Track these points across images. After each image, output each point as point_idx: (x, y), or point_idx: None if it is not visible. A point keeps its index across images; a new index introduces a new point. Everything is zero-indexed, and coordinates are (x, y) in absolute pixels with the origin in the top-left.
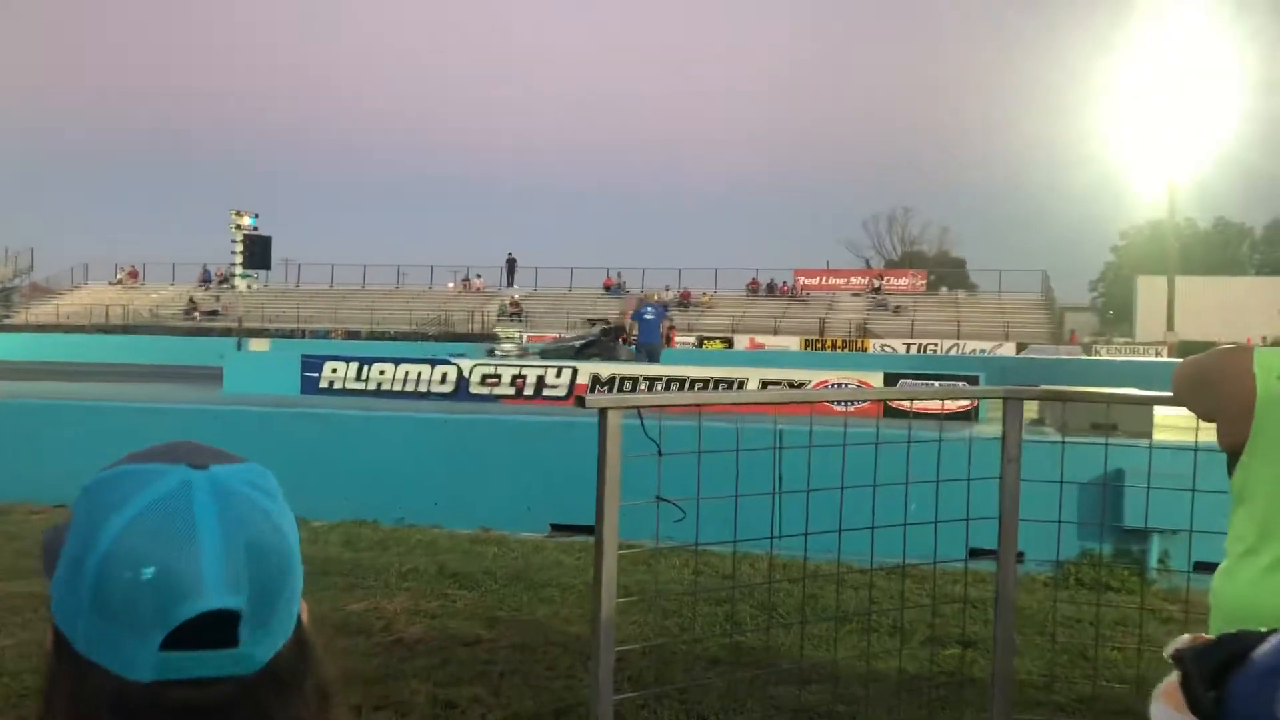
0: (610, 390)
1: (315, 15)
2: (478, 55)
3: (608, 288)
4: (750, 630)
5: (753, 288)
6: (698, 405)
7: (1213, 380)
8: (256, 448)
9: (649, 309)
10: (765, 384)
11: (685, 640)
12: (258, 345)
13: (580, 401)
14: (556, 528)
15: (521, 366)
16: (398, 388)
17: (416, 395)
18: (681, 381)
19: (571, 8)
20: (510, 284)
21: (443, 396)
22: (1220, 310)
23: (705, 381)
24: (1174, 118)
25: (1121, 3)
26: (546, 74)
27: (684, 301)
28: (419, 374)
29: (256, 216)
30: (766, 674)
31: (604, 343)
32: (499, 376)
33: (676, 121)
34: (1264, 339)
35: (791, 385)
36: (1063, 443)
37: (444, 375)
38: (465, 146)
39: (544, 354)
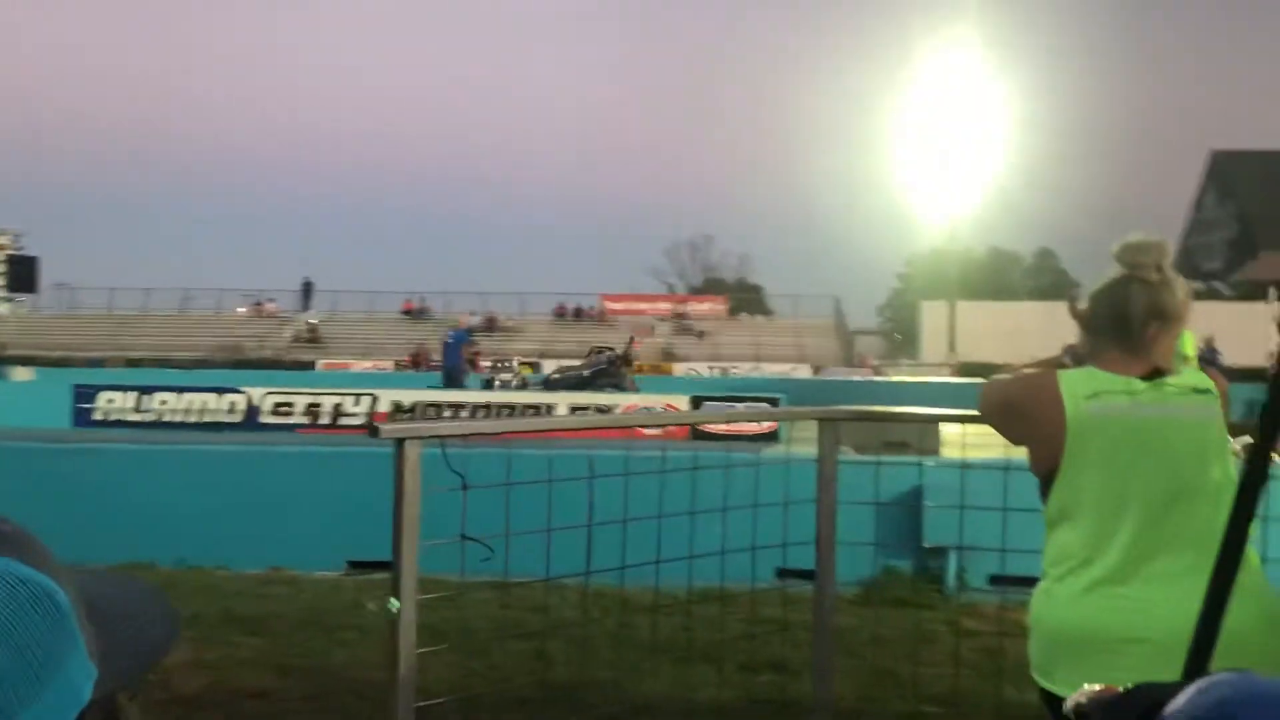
0: (414, 418)
1: (104, 17)
2: (270, 74)
3: (408, 312)
4: (562, 665)
5: (559, 313)
6: (504, 433)
7: (1022, 407)
8: (16, 487)
9: (450, 334)
10: (574, 409)
11: (492, 680)
12: (21, 375)
13: (373, 431)
14: (355, 564)
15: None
16: (181, 418)
17: (202, 426)
18: (487, 408)
19: (371, 28)
20: (306, 308)
21: (231, 427)
22: (997, 333)
23: (512, 407)
24: (953, 154)
25: (905, 48)
26: (342, 93)
27: (490, 326)
28: (204, 403)
29: (19, 235)
30: (578, 712)
31: (613, 371)
32: (291, 405)
33: (484, 146)
34: (1034, 357)
35: (600, 410)
36: (878, 463)
37: (232, 404)
38: (259, 166)
39: (549, 384)
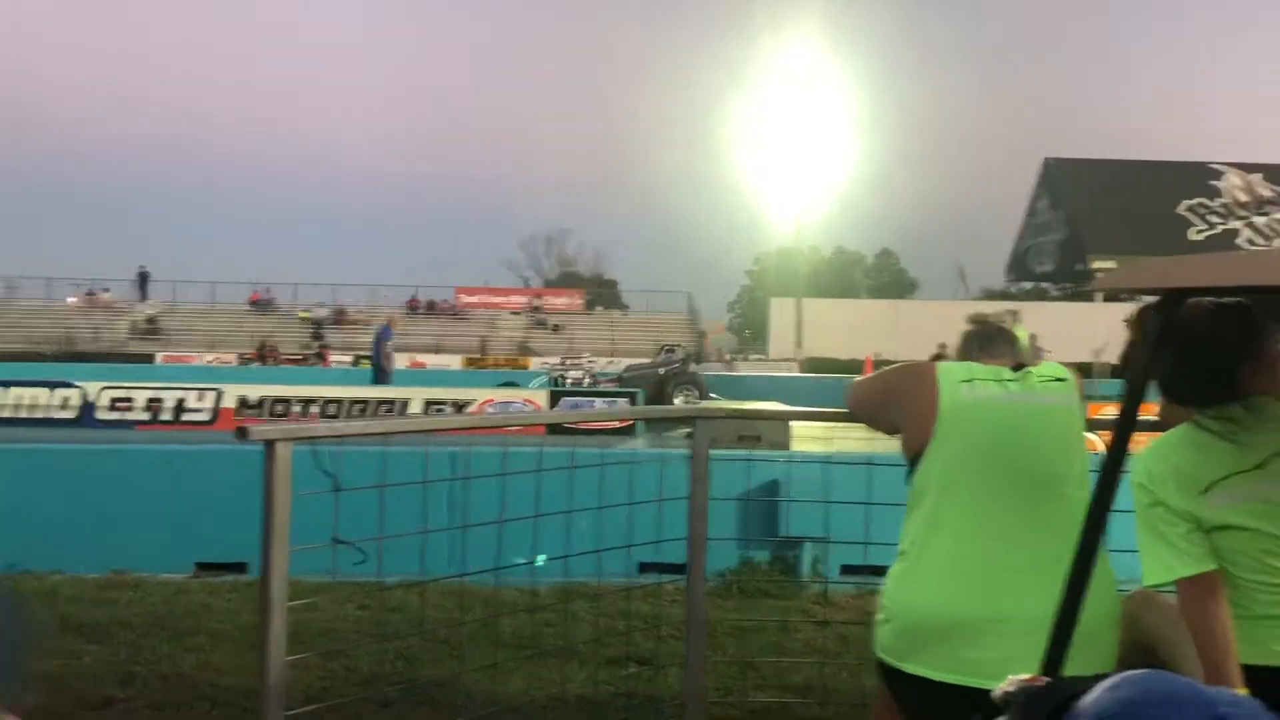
0: (263, 413)
1: None
2: (100, 51)
3: (254, 303)
4: (430, 666)
5: (413, 305)
6: (382, 433)
7: (901, 391)
8: None
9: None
10: (429, 404)
11: (358, 684)
12: None
13: (242, 433)
14: (203, 567)
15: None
16: (8, 414)
17: (32, 423)
18: (339, 403)
19: (213, 3)
20: (143, 298)
21: (65, 423)
22: (841, 329)
23: (364, 402)
24: (800, 155)
25: (755, 51)
26: (180, 71)
27: (339, 319)
28: (34, 398)
29: None
30: (444, 713)
31: (684, 370)
32: (130, 400)
33: (334, 133)
34: (878, 354)
35: (457, 405)
36: (749, 460)
37: (65, 399)
38: (89, 147)
39: (623, 380)
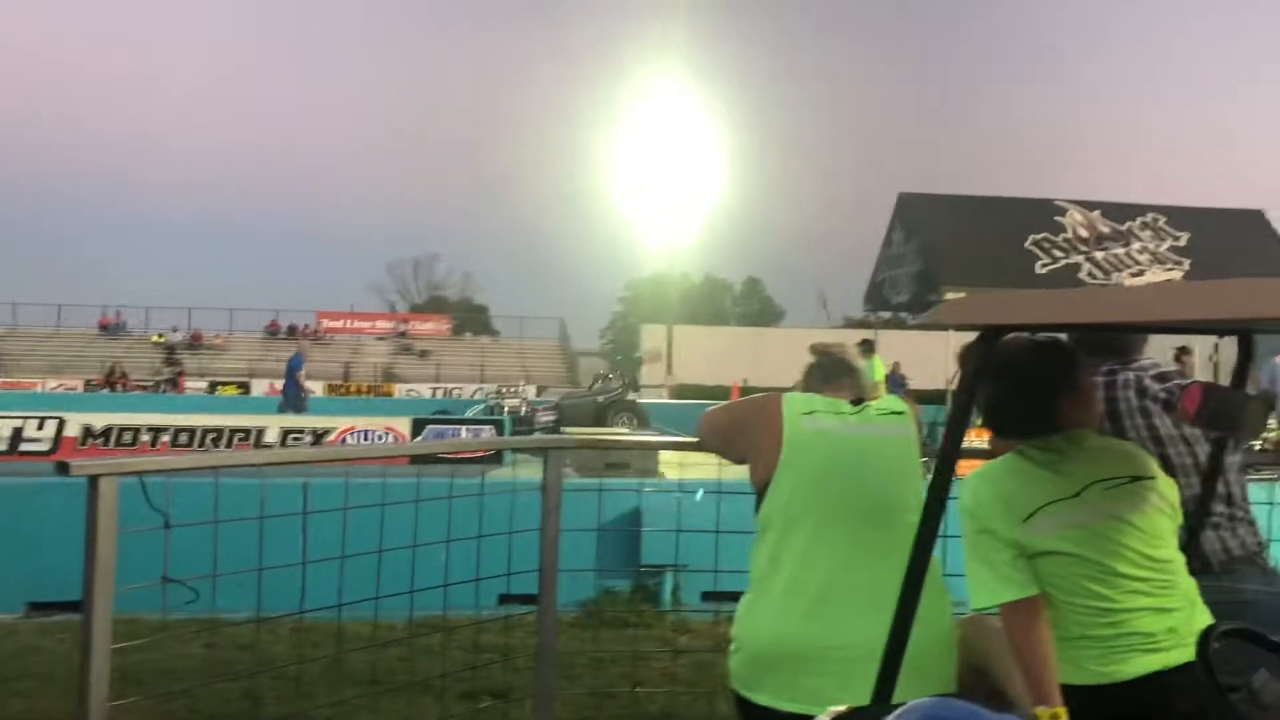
0: (109, 442)
1: None
2: None
3: (104, 326)
4: (274, 704)
5: (272, 329)
6: (214, 466)
7: (747, 422)
8: None
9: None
10: (287, 433)
11: None
12: None
13: (63, 468)
14: (35, 606)
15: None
16: None
17: None
18: (191, 431)
19: (65, 13)
20: None
21: None
22: (711, 356)
23: (219, 431)
24: (670, 184)
25: (628, 82)
26: (25, 78)
27: (195, 343)
28: None
29: None
30: None
31: (622, 399)
32: None
33: (189, 148)
34: (746, 380)
35: (316, 434)
36: (599, 489)
37: None
38: None
39: (561, 409)
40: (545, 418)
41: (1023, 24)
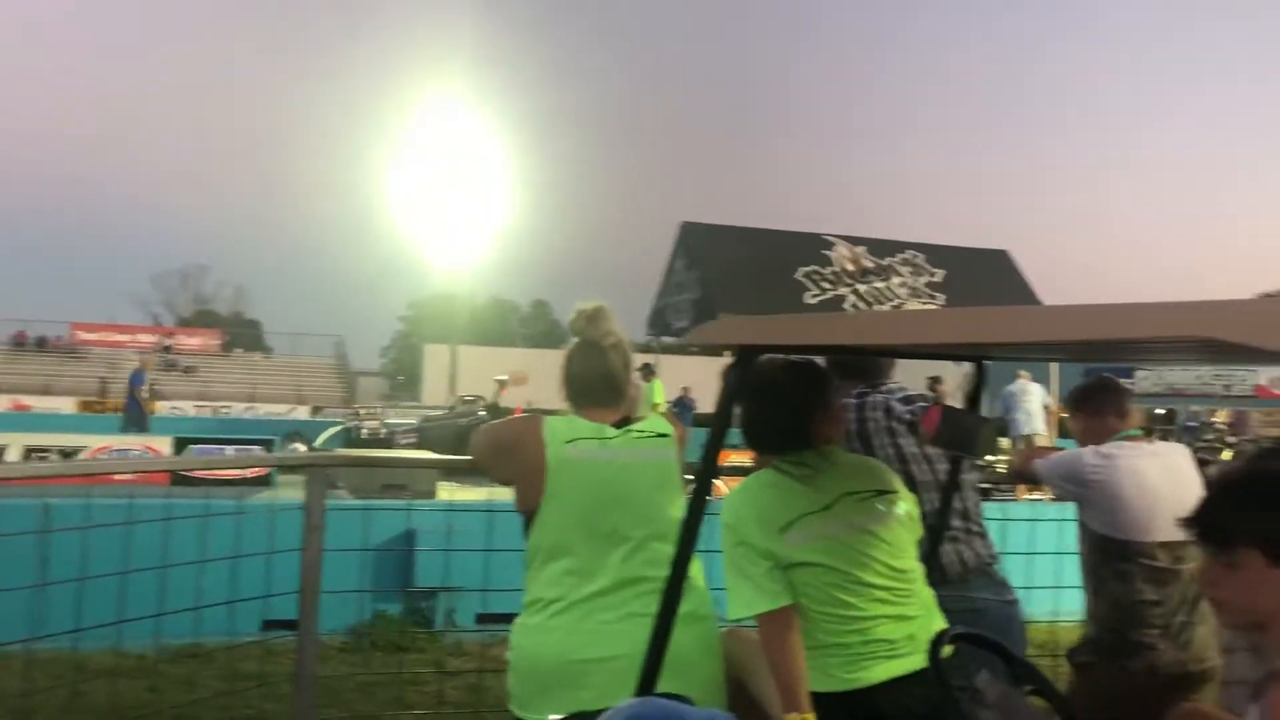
0: None
1: None
2: None
3: None
4: None
5: (19, 341)
6: None
7: (509, 448)
8: None
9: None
10: (30, 451)
11: None
12: None
13: None
14: None
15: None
16: None
17: None
18: None
19: None
20: None
21: None
22: (495, 377)
23: None
24: (456, 204)
25: (414, 97)
26: None
27: None
28: None
29: None
30: None
31: (485, 421)
32: None
33: None
34: (530, 402)
35: (64, 454)
36: (365, 509)
37: None
38: None
39: (421, 432)
40: (406, 441)
41: (800, 71)
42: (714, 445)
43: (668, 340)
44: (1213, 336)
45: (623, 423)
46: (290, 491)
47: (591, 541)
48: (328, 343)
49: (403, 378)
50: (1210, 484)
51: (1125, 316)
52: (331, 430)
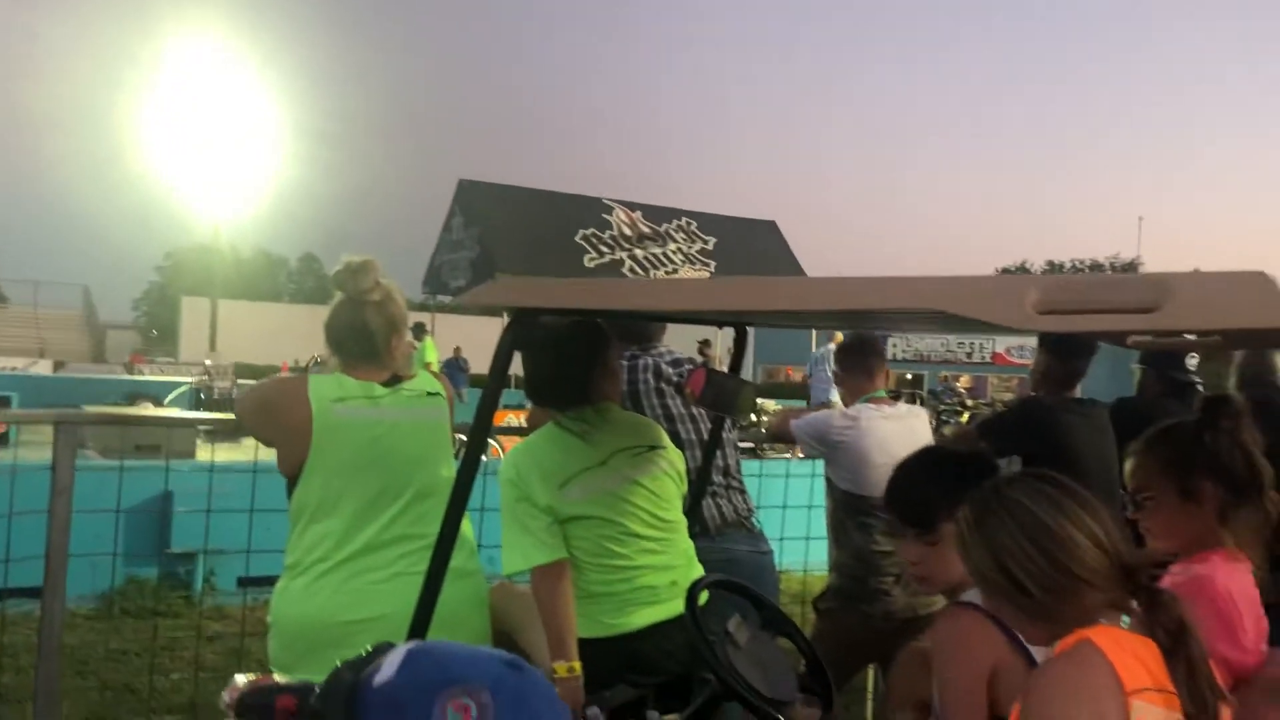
0: None
1: None
2: None
3: None
4: None
5: None
6: None
7: (274, 409)
8: None
9: None
10: None
11: None
12: None
13: None
14: None
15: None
16: None
17: None
18: None
19: None
20: None
21: None
22: (260, 334)
23: None
24: (220, 153)
25: (176, 37)
26: None
27: None
28: None
29: None
30: None
31: None
32: None
33: None
34: (298, 360)
35: None
36: (120, 469)
37: None
38: None
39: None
40: None
41: (576, 35)
42: (488, 404)
43: (444, 299)
44: (939, 309)
45: (392, 381)
46: (32, 453)
47: (358, 502)
48: (73, 292)
49: (157, 332)
50: (904, 466)
51: (869, 289)
52: (179, 390)
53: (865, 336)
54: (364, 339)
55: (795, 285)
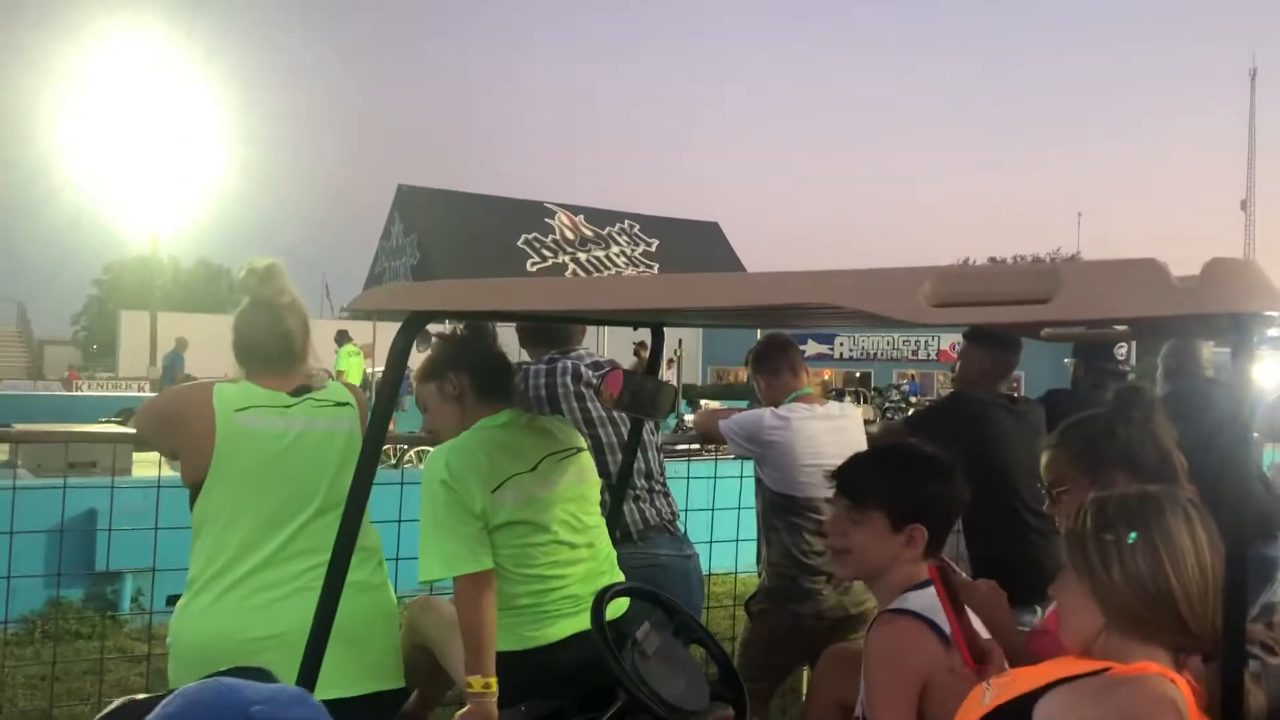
0: None
1: None
2: None
3: None
4: None
5: None
6: None
7: (176, 418)
8: None
9: None
10: None
11: None
12: None
13: None
14: None
15: None
16: None
17: None
18: None
19: None
20: None
21: None
22: (203, 346)
23: None
24: (163, 164)
25: (111, 47)
26: None
27: None
28: None
29: None
30: None
31: None
32: None
33: None
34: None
35: None
36: (13, 489)
37: None
38: None
39: None
40: None
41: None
42: (383, 411)
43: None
44: (835, 303)
45: (300, 391)
46: None
47: (261, 514)
48: (7, 308)
49: (96, 347)
50: (869, 449)
51: (773, 284)
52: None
53: (776, 336)
54: (285, 342)
55: (702, 282)
